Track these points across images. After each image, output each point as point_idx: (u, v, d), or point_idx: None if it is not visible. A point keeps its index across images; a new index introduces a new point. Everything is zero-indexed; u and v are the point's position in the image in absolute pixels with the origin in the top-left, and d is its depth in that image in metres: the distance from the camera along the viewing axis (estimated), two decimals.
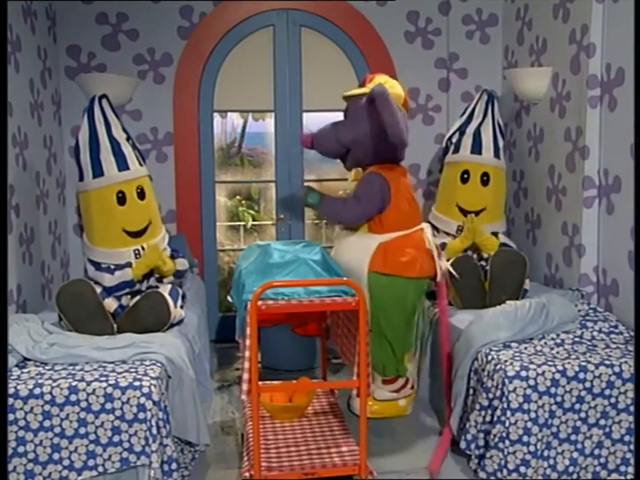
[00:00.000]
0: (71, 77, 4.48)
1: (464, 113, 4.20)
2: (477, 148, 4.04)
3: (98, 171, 3.38)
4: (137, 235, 3.46)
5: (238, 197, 5.62)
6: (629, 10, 3.15)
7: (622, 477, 2.75)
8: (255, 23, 4.64)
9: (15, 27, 3.58)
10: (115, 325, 3.17)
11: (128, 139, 3.53)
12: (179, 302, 3.41)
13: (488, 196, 4.00)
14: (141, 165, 3.55)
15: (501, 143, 4.07)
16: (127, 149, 3.46)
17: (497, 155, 4.04)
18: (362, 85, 3.65)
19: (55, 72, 4.38)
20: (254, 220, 5.86)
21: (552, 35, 3.94)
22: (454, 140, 4.17)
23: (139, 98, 4.56)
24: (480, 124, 4.07)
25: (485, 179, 3.99)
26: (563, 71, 3.78)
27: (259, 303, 2.39)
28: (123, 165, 3.42)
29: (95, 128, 3.39)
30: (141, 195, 3.49)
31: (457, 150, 4.12)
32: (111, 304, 3.23)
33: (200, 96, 4.65)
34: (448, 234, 4.03)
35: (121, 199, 3.40)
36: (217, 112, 4.79)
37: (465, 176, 4.03)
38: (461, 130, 4.14)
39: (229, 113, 4.98)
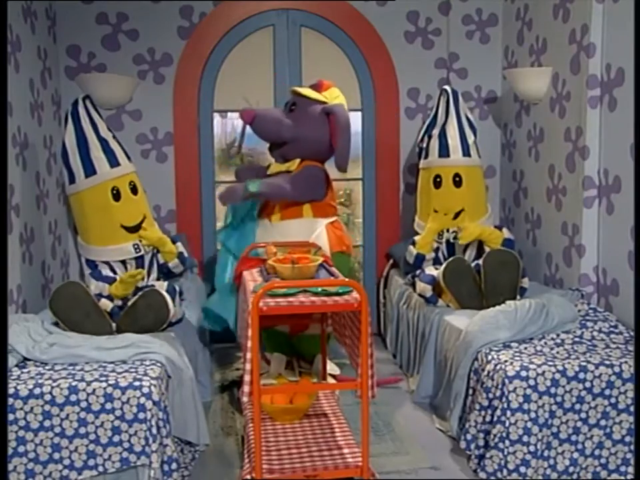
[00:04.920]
0: (70, 77, 4.48)
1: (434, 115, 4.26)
2: (444, 150, 4.06)
3: (90, 170, 3.46)
4: (134, 229, 3.54)
5: None
6: (629, 10, 3.15)
7: (622, 477, 2.75)
8: (255, 23, 4.64)
9: (15, 27, 3.58)
10: (114, 324, 3.17)
11: (113, 137, 3.61)
12: (177, 299, 3.42)
13: (463, 197, 4.02)
14: (130, 161, 3.65)
15: (470, 139, 4.08)
16: (115, 146, 3.56)
17: (466, 152, 4.05)
18: (315, 88, 3.90)
19: (55, 72, 4.38)
20: None
21: (552, 35, 3.94)
22: (424, 145, 4.19)
23: (138, 98, 4.56)
24: (444, 124, 4.08)
25: (457, 180, 4.01)
26: (563, 71, 3.78)
27: (260, 304, 2.39)
28: (114, 161, 3.52)
29: (82, 129, 3.47)
30: (134, 190, 3.58)
31: (426, 155, 4.17)
32: (106, 303, 3.24)
33: (200, 96, 4.65)
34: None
35: (116, 195, 3.48)
36: (216, 112, 4.78)
37: (438, 180, 4.06)
38: (428, 133, 4.18)
39: (229, 113, 4.97)
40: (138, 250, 3.52)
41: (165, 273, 3.74)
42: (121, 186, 3.51)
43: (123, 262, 3.55)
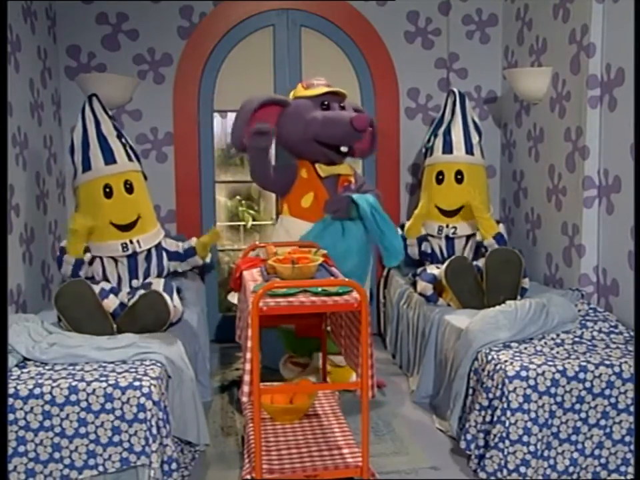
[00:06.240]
0: (70, 77, 4.48)
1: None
2: (447, 148, 4.13)
3: (86, 166, 3.51)
4: (126, 228, 3.54)
5: (238, 197, 5.62)
6: (629, 10, 3.15)
7: (622, 477, 2.75)
8: (255, 23, 4.64)
9: (15, 27, 3.58)
10: (115, 325, 3.17)
11: (120, 136, 3.62)
12: (175, 296, 3.43)
13: (464, 193, 4.04)
14: (130, 160, 3.63)
15: (474, 139, 4.14)
16: (115, 144, 3.57)
17: (470, 151, 4.11)
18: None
19: (55, 72, 4.38)
20: (254, 220, 5.85)
21: (552, 35, 3.94)
22: (430, 144, 4.24)
23: (138, 98, 4.56)
24: (449, 123, 4.16)
25: (459, 177, 4.06)
26: (563, 71, 3.79)
27: (260, 304, 2.39)
28: (109, 158, 3.53)
29: (86, 127, 3.53)
30: (130, 189, 3.56)
31: (431, 153, 4.22)
32: (109, 304, 3.24)
33: (200, 96, 4.65)
34: (432, 236, 4.09)
35: (108, 192, 3.49)
36: (217, 112, 4.78)
37: (440, 177, 4.12)
38: (434, 133, 4.23)
39: (229, 113, 4.97)
40: (126, 249, 3.51)
41: (175, 258, 3.79)
42: (114, 184, 3.50)
43: (115, 259, 3.55)
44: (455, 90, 4.19)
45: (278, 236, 3.76)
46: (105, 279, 3.51)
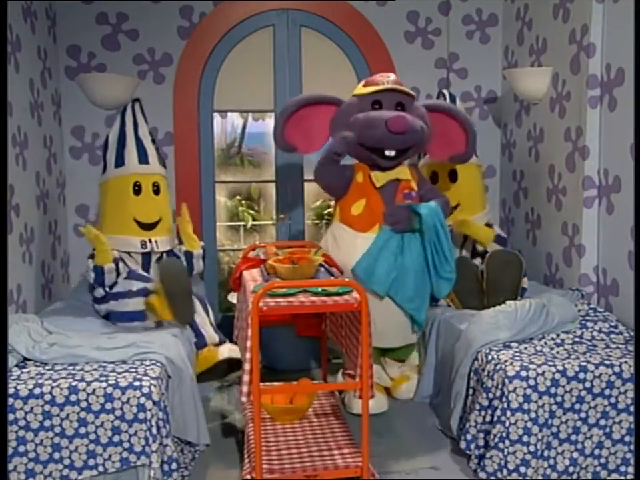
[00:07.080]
0: (70, 77, 4.48)
1: None
2: None
3: (120, 162, 3.65)
4: (147, 227, 3.63)
5: (238, 197, 5.63)
6: (629, 10, 3.15)
7: (622, 477, 2.75)
8: (255, 23, 4.64)
9: (15, 27, 3.58)
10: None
11: (153, 141, 3.77)
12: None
13: (458, 192, 4.04)
14: (160, 165, 3.78)
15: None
16: (149, 148, 3.72)
17: None
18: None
19: (55, 72, 4.38)
20: (254, 220, 5.87)
21: (552, 35, 3.94)
22: None
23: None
24: None
25: (452, 176, 4.04)
26: (563, 71, 3.79)
27: (260, 304, 2.39)
28: (143, 159, 3.67)
29: (125, 127, 3.69)
30: (157, 191, 3.71)
31: (424, 154, 4.18)
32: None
33: (200, 96, 4.65)
34: None
35: (137, 190, 3.62)
36: (216, 112, 4.79)
37: (434, 177, 4.09)
38: None
39: (229, 113, 4.98)
40: (144, 246, 3.57)
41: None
42: (143, 182, 3.63)
43: (130, 256, 3.59)
44: (445, 92, 4.16)
45: (326, 242, 3.56)
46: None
